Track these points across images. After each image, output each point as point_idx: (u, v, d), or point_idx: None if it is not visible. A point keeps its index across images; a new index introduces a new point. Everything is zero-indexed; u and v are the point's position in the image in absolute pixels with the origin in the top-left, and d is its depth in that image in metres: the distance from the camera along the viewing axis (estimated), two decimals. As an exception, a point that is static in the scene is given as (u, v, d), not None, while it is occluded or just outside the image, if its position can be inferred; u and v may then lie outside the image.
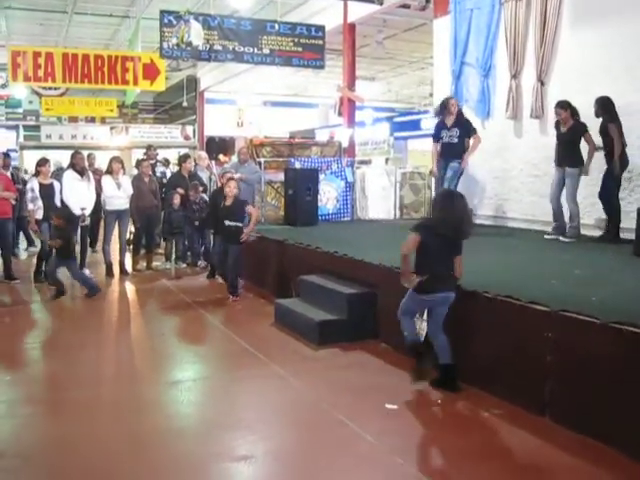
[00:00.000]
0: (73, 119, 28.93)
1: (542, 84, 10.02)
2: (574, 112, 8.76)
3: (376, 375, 5.45)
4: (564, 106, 8.78)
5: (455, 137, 9.61)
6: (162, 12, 13.36)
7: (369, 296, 6.70)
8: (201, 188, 11.30)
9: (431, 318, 5.29)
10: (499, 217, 10.98)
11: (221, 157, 16.32)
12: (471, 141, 9.73)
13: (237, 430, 4.55)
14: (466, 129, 9.68)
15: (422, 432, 4.48)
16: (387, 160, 17.32)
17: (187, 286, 9.91)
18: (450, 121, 9.72)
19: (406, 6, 14.54)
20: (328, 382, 5.21)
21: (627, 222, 8.35)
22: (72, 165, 10.46)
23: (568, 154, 8.73)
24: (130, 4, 18.69)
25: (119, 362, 6.30)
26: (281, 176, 12.07)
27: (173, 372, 6.05)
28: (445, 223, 5.09)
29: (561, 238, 8.71)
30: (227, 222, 8.75)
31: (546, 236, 8.97)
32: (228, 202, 8.85)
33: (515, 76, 10.57)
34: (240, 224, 8.73)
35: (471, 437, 4.38)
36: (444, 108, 9.85)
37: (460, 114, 9.83)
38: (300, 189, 11.20)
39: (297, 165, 12.13)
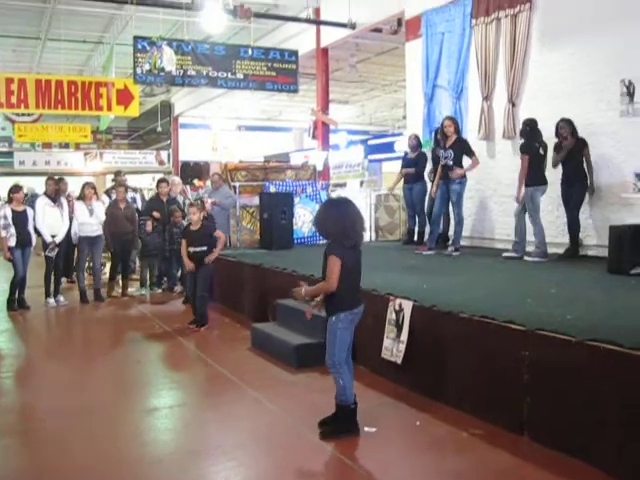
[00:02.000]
0: (47, 145, 28.75)
1: (513, 105, 10.16)
2: (526, 133, 9.04)
3: (354, 398, 5.43)
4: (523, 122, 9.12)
5: (450, 159, 9.58)
6: (135, 38, 13.37)
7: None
8: (179, 213, 11.25)
9: (339, 345, 4.72)
10: (474, 237, 11.04)
11: (196, 182, 16.30)
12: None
13: (215, 456, 4.50)
14: (462, 150, 9.64)
15: (401, 455, 4.46)
16: (362, 183, 17.40)
17: (163, 312, 9.84)
18: (448, 142, 9.71)
19: (378, 30, 14.74)
20: (306, 406, 5.18)
21: (600, 239, 8.46)
22: (45, 191, 10.45)
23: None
24: (104, 30, 18.72)
25: (94, 390, 6.20)
26: (256, 200, 12.07)
27: (149, 400, 5.98)
28: (354, 231, 4.71)
29: (526, 258, 8.81)
30: (192, 249, 8.53)
31: (504, 254, 9.07)
32: (194, 227, 8.68)
33: (487, 98, 10.70)
34: (205, 248, 8.53)
35: (450, 458, 4.37)
36: (441, 130, 9.93)
37: (459, 136, 9.82)
38: (275, 213, 11.21)
39: (272, 189, 12.14)
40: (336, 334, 4.69)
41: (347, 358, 4.80)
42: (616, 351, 3.94)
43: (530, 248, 8.98)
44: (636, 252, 7.29)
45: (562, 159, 8.77)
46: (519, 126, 9.73)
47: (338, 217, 4.68)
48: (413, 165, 11.33)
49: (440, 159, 9.77)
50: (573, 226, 8.75)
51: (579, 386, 4.14)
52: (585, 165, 8.71)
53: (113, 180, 13.94)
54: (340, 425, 4.70)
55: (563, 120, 8.71)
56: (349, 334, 4.75)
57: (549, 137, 9.20)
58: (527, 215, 8.94)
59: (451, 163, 9.57)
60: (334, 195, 14.06)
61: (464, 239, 10.59)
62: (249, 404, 5.57)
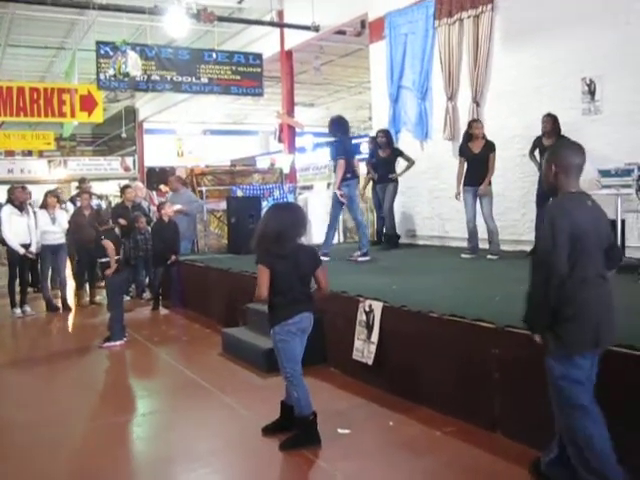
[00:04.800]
0: (9, 153, 28.40)
1: (477, 105, 10.24)
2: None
3: (326, 400, 5.42)
4: (483, 124, 9.19)
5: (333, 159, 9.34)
6: (98, 43, 13.25)
7: (316, 321, 6.64)
8: (144, 219, 11.17)
9: (284, 356, 4.65)
10: (441, 237, 11.11)
11: (162, 187, 16.18)
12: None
13: (188, 463, 4.46)
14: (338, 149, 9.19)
15: (376, 455, 4.46)
16: (329, 185, 17.40)
17: (131, 319, 9.70)
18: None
19: (342, 32, 14.79)
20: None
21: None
22: (10, 200, 10.25)
23: (482, 172, 8.95)
24: (65, 35, 18.51)
25: (62, 401, 6.11)
26: (223, 205, 12.04)
27: (120, 408, 5.90)
28: (278, 238, 4.55)
29: (488, 256, 8.87)
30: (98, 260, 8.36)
31: (463, 255, 9.07)
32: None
33: (451, 98, 10.78)
34: (106, 259, 8.12)
35: (425, 457, 4.38)
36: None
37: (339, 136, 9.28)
38: (243, 217, 11.15)
39: (239, 193, 12.12)
40: (277, 347, 4.64)
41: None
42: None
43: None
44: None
45: (530, 154, 8.88)
46: (483, 125, 9.85)
47: (268, 222, 4.66)
48: (385, 164, 11.00)
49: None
50: None
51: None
52: None
53: (78, 187, 13.79)
54: (299, 437, 4.59)
55: (548, 115, 8.61)
56: (292, 345, 4.63)
57: (516, 135, 9.34)
58: (484, 215, 9.00)
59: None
60: (301, 198, 14.07)
61: (430, 239, 10.70)
62: (221, 410, 5.54)
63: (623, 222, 7.47)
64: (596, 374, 3.54)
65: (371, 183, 11.56)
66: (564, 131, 8.59)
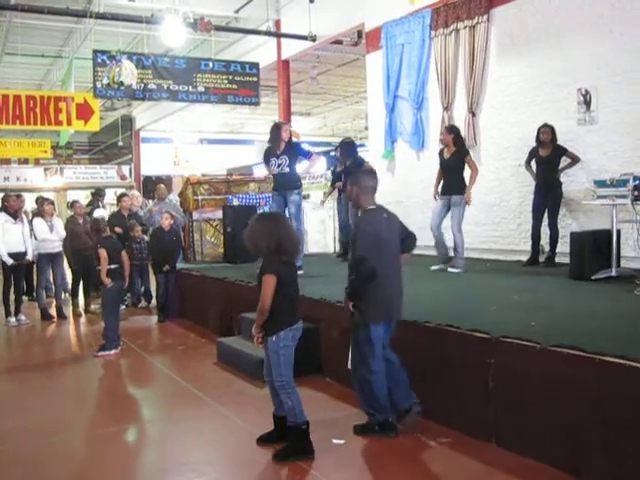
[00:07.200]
0: (5, 161, 28.30)
1: (473, 115, 10.26)
2: (458, 138, 8.84)
3: (322, 410, 5.41)
4: (450, 130, 8.89)
5: (285, 166, 8.69)
6: (95, 52, 13.26)
7: (312, 331, 6.63)
8: (139, 227, 11.12)
9: (284, 364, 4.64)
10: (430, 246, 11.08)
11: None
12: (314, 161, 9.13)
13: (183, 473, 4.44)
14: (296, 154, 8.89)
15: (371, 466, 4.44)
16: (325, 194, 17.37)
17: (126, 328, 9.68)
18: (280, 148, 8.72)
19: (339, 42, 14.84)
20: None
21: (561, 246, 8.55)
22: (4, 208, 10.21)
23: (454, 181, 8.72)
24: (63, 44, 18.53)
25: (56, 409, 6.08)
26: (219, 214, 12.01)
27: (115, 417, 5.87)
28: (290, 244, 4.57)
29: (450, 269, 8.65)
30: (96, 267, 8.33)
31: (433, 267, 8.90)
32: None
33: (447, 108, 10.79)
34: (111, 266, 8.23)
35: (420, 468, 4.37)
36: (277, 134, 8.79)
37: (290, 141, 8.87)
38: (239, 226, 11.07)
39: (235, 202, 12.09)
40: (279, 353, 4.59)
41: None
42: (579, 356, 3.98)
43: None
44: (597, 258, 7.39)
45: (525, 164, 8.87)
46: (479, 135, 9.87)
47: (271, 230, 4.52)
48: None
49: (272, 167, 8.87)
50: (554, 234, 8.61)
51: (544, 392, 4.17)
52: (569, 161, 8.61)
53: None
54: (293, 448, 4.55)
55: (546, 125, 8.60)
56: (292, 352, 4.65)
57: (512, 145, 9.35)
58: (452, 225, 8.84)
59: (287, 170, 8.71)
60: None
61: (427, 248, 10.66)
62: (216, 419, 5.52)
63: (619, 232, 7.48)
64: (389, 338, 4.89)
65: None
66: (560, 141, 8.61)
